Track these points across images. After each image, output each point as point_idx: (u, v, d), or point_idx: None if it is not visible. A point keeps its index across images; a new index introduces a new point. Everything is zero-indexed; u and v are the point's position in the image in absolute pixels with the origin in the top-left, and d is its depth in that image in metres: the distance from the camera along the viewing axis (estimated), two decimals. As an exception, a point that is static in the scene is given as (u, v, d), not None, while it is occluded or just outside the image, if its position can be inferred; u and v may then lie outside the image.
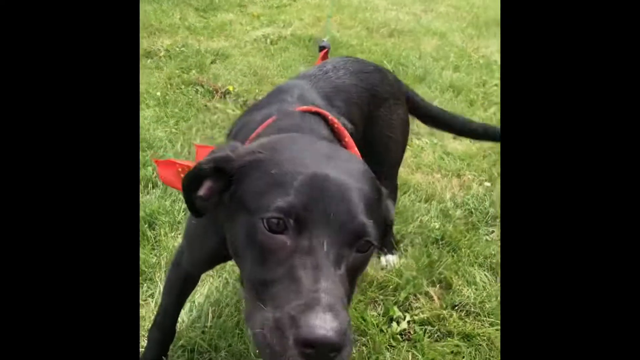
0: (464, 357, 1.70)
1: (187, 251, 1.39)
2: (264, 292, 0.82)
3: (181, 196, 2.31)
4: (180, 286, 1.50)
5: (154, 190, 2.36)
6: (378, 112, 1.66)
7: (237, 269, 1.95)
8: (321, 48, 2.04)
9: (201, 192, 0.99)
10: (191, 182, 0.99)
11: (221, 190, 0.97)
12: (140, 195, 2.32)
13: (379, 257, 2.10)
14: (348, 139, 1.24)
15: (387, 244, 2.10)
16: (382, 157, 1.69)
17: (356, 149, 1.22)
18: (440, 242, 2.23)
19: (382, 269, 2.06)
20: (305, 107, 1.28)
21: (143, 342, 1.64)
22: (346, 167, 0.91)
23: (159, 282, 1.87)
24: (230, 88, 3.50)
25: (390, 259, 2.11)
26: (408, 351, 1.70)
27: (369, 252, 0.89)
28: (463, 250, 2.17)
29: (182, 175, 1.12)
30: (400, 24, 5.35)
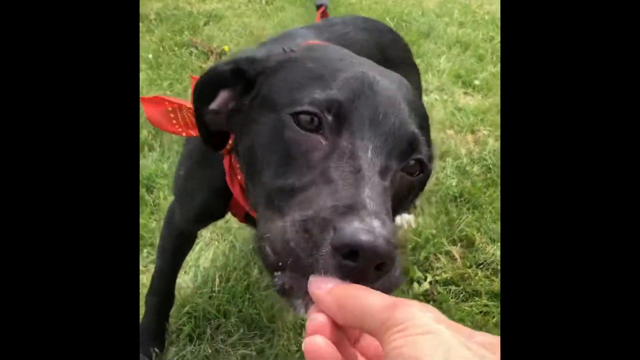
0: (494, 316, 1.57)
1: (178, 207, 1.24)
2: (286, 201, 0.63)
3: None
4: (174, 245, 1.36)
5: (151, 153, 2.21)
6: None
7: (243, 232, 1.81)
8: (318, 6, 1.87)
9: (214, 105, 0.80)
10: (204, 90, 0.79)
11: (239, 97, 0.78)
12: (136, 158, 2.17)
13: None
14: None
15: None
16: None
17: None
18: (459, 200, 2.09)
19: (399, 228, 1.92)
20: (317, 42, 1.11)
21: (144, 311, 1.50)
22: (394, 78, 0.75)
23: (160, 248, 1.73)
24: (226, 48, 3.32)
25: (407, 218, 1.96)
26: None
27: (417, 178, 0.72)
28: (484, 207, 2.03)
29: (172, 115, 0.94)
30: (400, -19, 5.14)
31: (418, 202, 2.05)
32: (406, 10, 4.11)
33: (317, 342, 0.48)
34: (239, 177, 0.93)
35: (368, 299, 0.47)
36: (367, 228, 0.53)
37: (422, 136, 0.70)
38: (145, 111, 0.97)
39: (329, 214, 0.55)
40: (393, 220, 0.65)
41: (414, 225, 1.93)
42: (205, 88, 0.79)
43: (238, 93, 0.78)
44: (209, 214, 1.19)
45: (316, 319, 0.50)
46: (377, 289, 0.51)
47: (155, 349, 1.38)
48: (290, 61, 0.74)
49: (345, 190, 0.58)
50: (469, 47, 3.52)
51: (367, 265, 0.53)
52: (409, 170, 0.70)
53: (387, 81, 0.71)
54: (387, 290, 0.55)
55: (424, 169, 0.72)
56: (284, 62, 0.75)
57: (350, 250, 0.52)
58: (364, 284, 0.52)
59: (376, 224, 0.54)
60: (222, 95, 0.80)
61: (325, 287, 0.52)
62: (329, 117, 0.66)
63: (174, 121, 0.94)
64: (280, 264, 0.57)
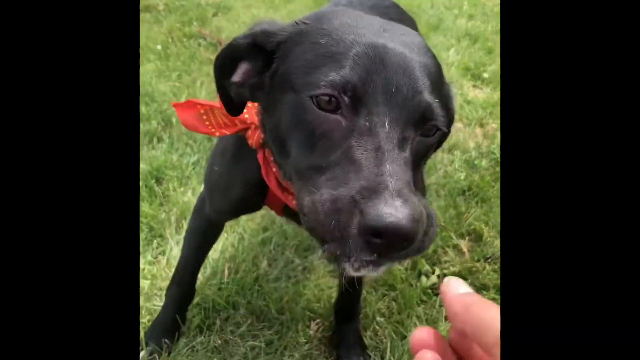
0: (502, 310, 1.58)
1: (209, 200, 1.25)
2: (315, 178, 0.69)
3: (189, 150, 2.17)
4: (202, 235, 1.38)
5: (160, 145, 2.22)
6: None
7: (251, 224, 1.82)
8: None
9: (236, 77, 0.84)
10: (224, 64, 0.84)
11: (260, 72, 0.81)
12: (146, 149, 2.18)
13: None
14: None
15: None
16: None
17: None
18: (467, 193, 2.09)
19: None
20: None
21: (155, 303, 1.52)
22: (405, 40, 0.77)
23: (170, 238, 1.74)
24: (235, 40, 3.32)
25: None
26: (441, 306, 1.58)
27: (434, 137, 0.77)
28: (492, 200, 2.03)
29: (205, 117, 0.99)
30: (409, -27, 5.11)
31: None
32: (416, 2, 4.10)
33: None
34: (274, 170, 0.95)
35: (494, 313, 0.47)
36: (390, 211, 0.59)
37: (436, 101, 0.73)
38: (178, 116, 1.01)
39: (355, 194, 0.62)
40: (416, 187, 0.70)
41: None
42: (226, 60, 0.84)
43: (259, 67, 0.82)
44: (245, 207, 1.22)
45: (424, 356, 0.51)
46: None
47: (166, 340, 1.39)
48: (302, 34, 0.77)
49: (368, 169, 0.64)
50: (478, 39, 3.51)
51: (393, 243, 0.61)
52: (426, 133, 0.75)
53: (398, 46, 0.74)
54: (416, 253, 0.65)
55: (439, 129, 0.76)
56: (298, 34, 0.78)
57: (376, 232, 0.59)
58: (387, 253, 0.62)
59: (398, 203, 0.60)
60: (243, 67, 0.84)
61: (456, 289, 0.53)
62: (346, 98, 0.69)
63: (207, 122, 0.98)
64: (323, 236, 0.65)
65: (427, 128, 0.74)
